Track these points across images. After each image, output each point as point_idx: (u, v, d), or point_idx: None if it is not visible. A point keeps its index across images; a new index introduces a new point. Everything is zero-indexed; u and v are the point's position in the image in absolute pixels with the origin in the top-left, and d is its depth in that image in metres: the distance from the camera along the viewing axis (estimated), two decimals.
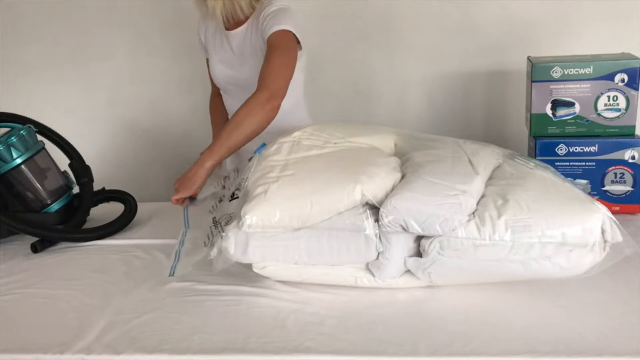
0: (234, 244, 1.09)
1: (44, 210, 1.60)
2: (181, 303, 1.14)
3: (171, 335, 1.03)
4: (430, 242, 1.06)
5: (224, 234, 1.10)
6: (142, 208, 1.64)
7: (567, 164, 1.53)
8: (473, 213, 1.06)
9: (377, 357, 0.95)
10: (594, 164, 1.52)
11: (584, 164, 1.52)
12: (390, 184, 1.11)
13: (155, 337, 1.03)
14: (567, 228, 1.02)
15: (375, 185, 1.09)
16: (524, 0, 2.16)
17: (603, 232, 1.03)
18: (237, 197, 1.17)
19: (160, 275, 1.25)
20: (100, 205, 1.70)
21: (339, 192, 1.07)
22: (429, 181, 1.09)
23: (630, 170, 1.51)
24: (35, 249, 1.47)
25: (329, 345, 0.98)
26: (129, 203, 1.64)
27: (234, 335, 1.02)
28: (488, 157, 1.26)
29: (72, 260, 1.40)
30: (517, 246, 1.03)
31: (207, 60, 1.82)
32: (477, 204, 1.09)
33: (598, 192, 1.53)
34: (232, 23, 1.66)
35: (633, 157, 1.50)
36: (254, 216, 1.06)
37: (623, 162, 1.50)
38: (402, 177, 1.14)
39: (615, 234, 1.03)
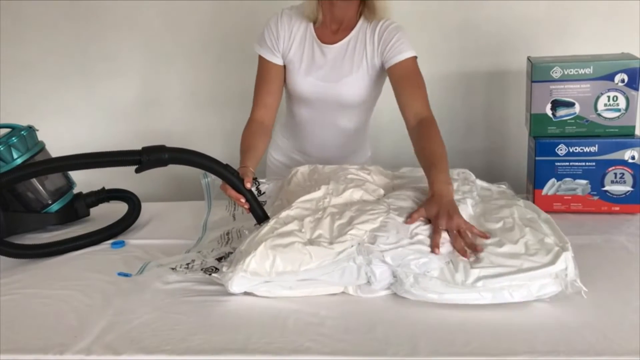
0: (235, 283, 1.13)
1: (44, 211, 1.60)
2: (181, 303, 1.14)
3: (171, 336, 1.03)
4: (407, 276, 1.11)
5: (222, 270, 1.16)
6: (142, 208, 1.64)
7: (567, 164, 1.53)
8: (450, 261, 1.13)
9: (377, 357, 0.95)
10: (593, 164, 1.52)
11: (584, 164, 1.52)
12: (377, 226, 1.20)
13: (156, 338, 1.03)
14: (535, 272, 1.07)
15: (365, 229, 1.19)
16: (523, 0, 2.16)
17: (566, 268, 1.08)
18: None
19: (160, 276, 1.25)
20: (100, 206, 1.70)
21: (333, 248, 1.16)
22: (407, 227, 1.20)
23: (630, 170, 1.51)
24: None
25: (329, 346, 0.98)
26: (132, 202, 1.64)
27: (234, 335, 1.02)
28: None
29: (72, 260, 1.40)
30: (488, 288, 1.07)
31: (266, 67, 1.61)
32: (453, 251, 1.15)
33: (598, 192, 1.53)
34: (331, 31, 1.61)
35: (633, 157, 1.50)
36: (252, 264, 1.12)
37: (623, 162, 1.51)
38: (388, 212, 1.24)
39: (572, 271, 1.08)
